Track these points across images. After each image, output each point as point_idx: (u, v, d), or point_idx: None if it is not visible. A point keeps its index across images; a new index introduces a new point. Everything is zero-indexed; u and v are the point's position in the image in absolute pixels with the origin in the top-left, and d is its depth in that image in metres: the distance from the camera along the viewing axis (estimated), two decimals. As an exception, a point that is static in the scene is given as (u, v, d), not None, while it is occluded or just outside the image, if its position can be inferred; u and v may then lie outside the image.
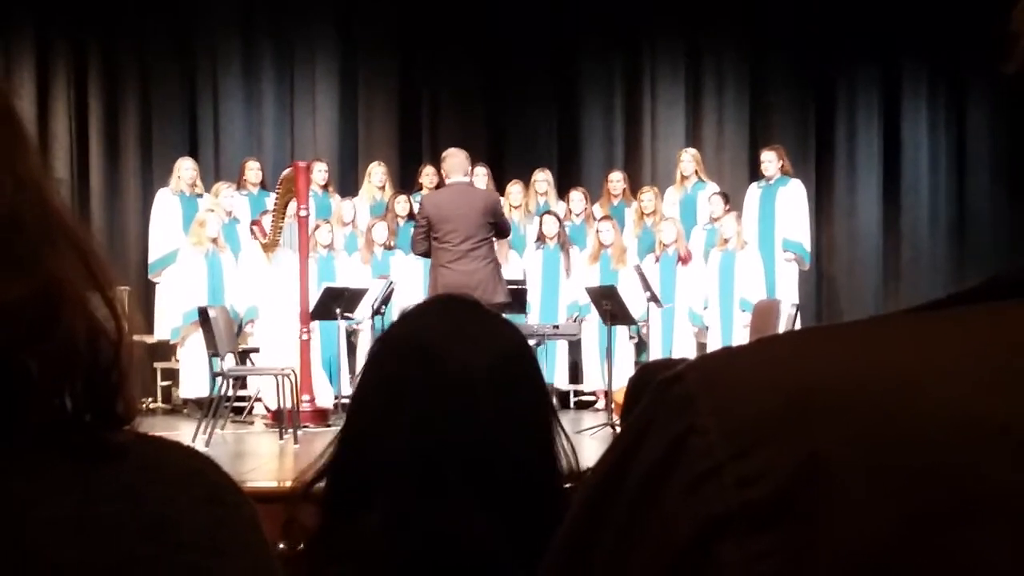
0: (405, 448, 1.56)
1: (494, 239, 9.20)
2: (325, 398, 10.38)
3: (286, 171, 10.46)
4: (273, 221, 10.56)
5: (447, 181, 9.39)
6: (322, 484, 1.66)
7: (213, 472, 0.84)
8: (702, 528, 0.62)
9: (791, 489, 0.61)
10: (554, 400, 1.82)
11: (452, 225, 8.86)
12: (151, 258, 11.71)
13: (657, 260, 11.34)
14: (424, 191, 11.95)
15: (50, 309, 0.75)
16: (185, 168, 11.77)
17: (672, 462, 0.65)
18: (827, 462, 0.60)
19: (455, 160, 9.27)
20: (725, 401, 0.65)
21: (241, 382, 10.38)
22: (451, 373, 1.57)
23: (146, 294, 11.70)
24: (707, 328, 11.44)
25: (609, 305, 9.88)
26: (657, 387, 0.69)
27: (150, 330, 11.21)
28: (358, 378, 1.71)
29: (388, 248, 11.51)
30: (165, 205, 11.72)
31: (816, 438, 0.61)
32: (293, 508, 1.66)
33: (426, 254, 9.25)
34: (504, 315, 1.85)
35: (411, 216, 11.72)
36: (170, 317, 11.22)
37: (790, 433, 0.62)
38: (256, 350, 10.69)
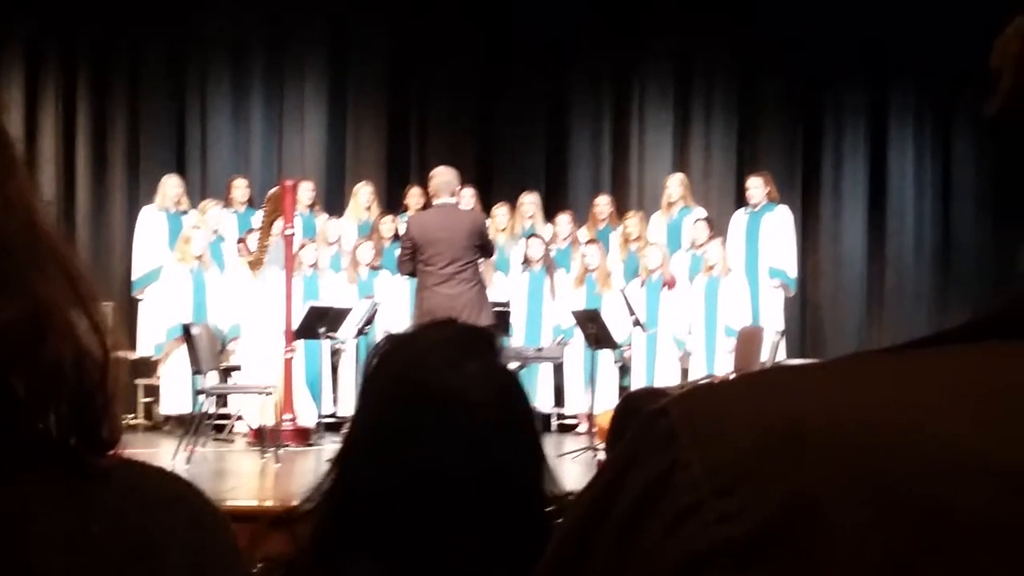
0: (400, 475, 1.56)
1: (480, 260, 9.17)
2: (307, 417, 10.34)
3: (273, 189, 10.45)
4: (259, 239, 10.54)
5: (434, 201, 9.33)
6: (305, 508, 1.66)
7: (195, 496, 0.85)
8: (685, 563, 0.62)
9: (775, 525, 0.61)
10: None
11: (437, 248, 8.81)
12: (135, 275, 11.69)
13: (642, 285, 11.35)
14: (411, 212, 11.96)
15: (37, 332, 0.76)
16: (171, 185, 11.78)
17: (656, 496, 0.65)
18: (813, 498, 0.61)
19: (442, 179, 9.18)
20: (709, 437, 0.65)
21: (223, 400, 10.36)
22: (447, 400, 1.57)
23: (130, 310, 11.69)
24: (691, 353, 11.43)
25: (594, 329, 9.89)
26: (643, 420, 0.69)
27: (133, 346, 11.17)
28: (356, 405, 1.71)
29: (374, 268, 11.51)
30: (150, 222, 11.72)
31: (801, 475, 0.61)
32: (271, 532, 1.65)
33: (412, 274, 9.22)
34: None
35: (397, 237, 11.72)
36: (153, 333, 11.20)
37: (774, 470, 0.62)
38: (238, 368, 10.67)
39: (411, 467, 1.56)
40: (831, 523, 0.60)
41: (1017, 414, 0.62)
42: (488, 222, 10.82)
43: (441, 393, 1.59)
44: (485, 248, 9.17)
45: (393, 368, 1.66)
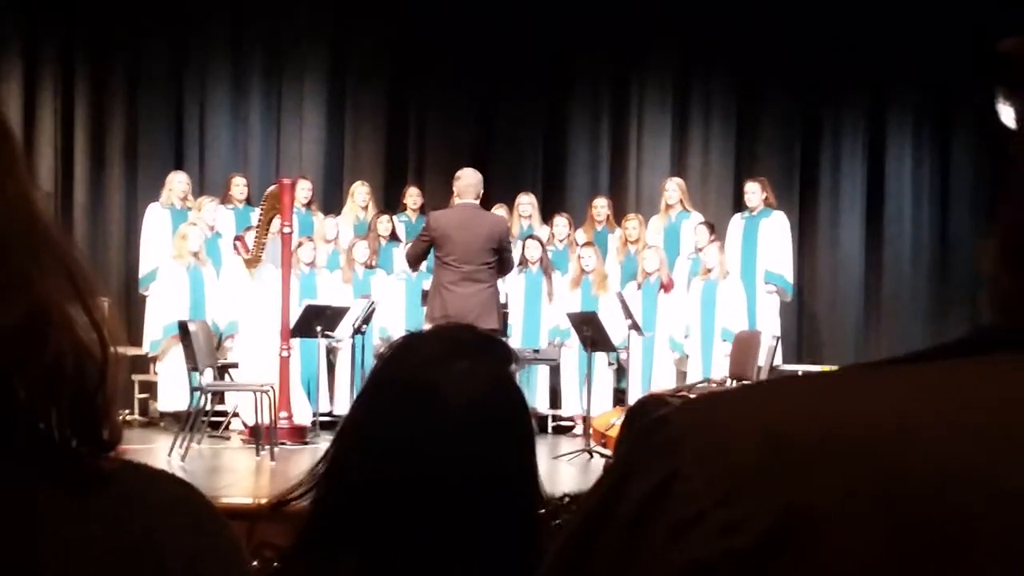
0: (382, 470, 1.56)
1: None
2: (303, 415, 10.34)
3: (271, 187, 10.44)
4: (256, 237, 10.54)
5: (457, 202, 9.34)
6: (298, 504, 1.66)
7: (196, 499, 0.84)
8: (687, 573, 0.62)
9: (775, 537, 0.61)
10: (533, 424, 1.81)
11: (453, 246, 8.83)
12: (141, 272, 11.67)
13: (639, 287, 11.36)
14: (408, 212, 12.03)
15: (38, 332, 0.75)
16: (177, 182, 11.77)
17: (656, 507, 0.65)
18: (811, 511, 0.61)
19: (468, 181, 9.17)
20: (709, 448, 0.65)
21: (219, 397, 10.35)
22: (439, 407, 1.57)
23: (128, 307, 11.68)
24: (687, 357, 11.44)
25: (589, 331, 9.88)
26: (643, 429, 0.69)
27: (132, 342, 11.13)
28: (351, 407, 1.71)
29: (369, 267, 11.51)
30: (156, 219, 11.69)
31: (800, 487, 0.61)
32: (263, 527, 1.65)
33: (415, 261, 9.42)
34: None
35: (393, 236, 11.76)
36: (150, 330, 11.19)
37: (774, 481, 0.62)
38: (235, 365, 10.66)
39: (392, 462, 1.56)
40: (831, 534, 0.60)
41: (1018, 429, 0.62)
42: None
43: (420, 389, 1.59)
44: (503, 258, 9.07)
45: (389, 363, 1.66)
